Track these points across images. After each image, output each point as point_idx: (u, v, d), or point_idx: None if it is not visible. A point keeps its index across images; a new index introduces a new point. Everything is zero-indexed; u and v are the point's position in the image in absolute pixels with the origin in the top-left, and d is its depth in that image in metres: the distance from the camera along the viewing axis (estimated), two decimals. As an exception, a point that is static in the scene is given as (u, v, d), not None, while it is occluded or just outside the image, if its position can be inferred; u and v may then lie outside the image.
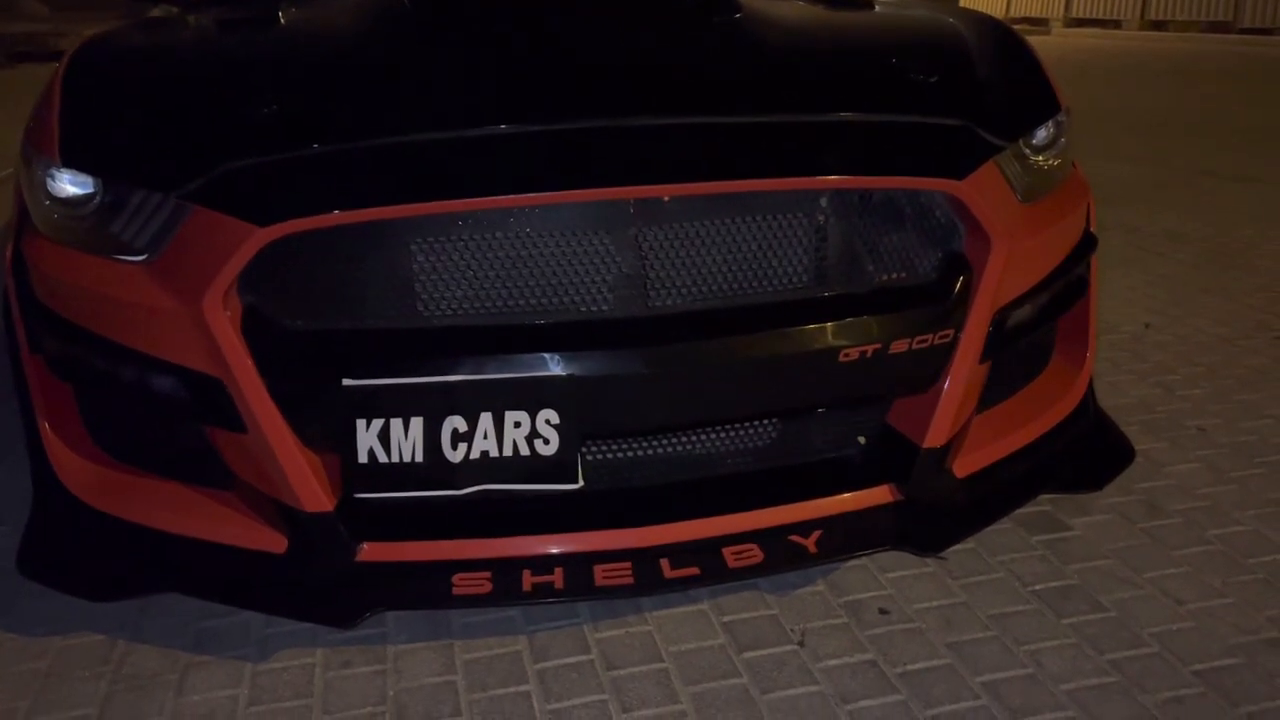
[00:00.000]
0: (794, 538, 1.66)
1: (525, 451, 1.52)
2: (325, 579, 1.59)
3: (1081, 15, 16.31)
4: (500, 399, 1.49)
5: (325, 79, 1.66)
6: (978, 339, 1.67)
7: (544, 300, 1.55)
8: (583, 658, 1.70)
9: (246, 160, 1.50)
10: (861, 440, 1.79)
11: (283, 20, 1.95)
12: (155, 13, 2.47)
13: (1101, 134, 6.83)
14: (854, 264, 1.66)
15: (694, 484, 1.72)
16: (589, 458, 1.61)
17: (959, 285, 1.66)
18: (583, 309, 1.55)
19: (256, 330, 1.50)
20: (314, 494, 1.54)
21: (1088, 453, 1.99)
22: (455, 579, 1.58)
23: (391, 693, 1.63)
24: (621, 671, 1.67)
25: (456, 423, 1.50)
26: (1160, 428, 2.49)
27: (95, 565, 1.68)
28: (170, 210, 1.53)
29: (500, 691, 1.63)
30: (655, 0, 2.01)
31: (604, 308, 1.56)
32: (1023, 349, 1.89)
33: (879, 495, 1.72)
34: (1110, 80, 10.23)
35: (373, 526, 1.60)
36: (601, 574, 1.58)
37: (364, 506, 1.56)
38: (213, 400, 1.52)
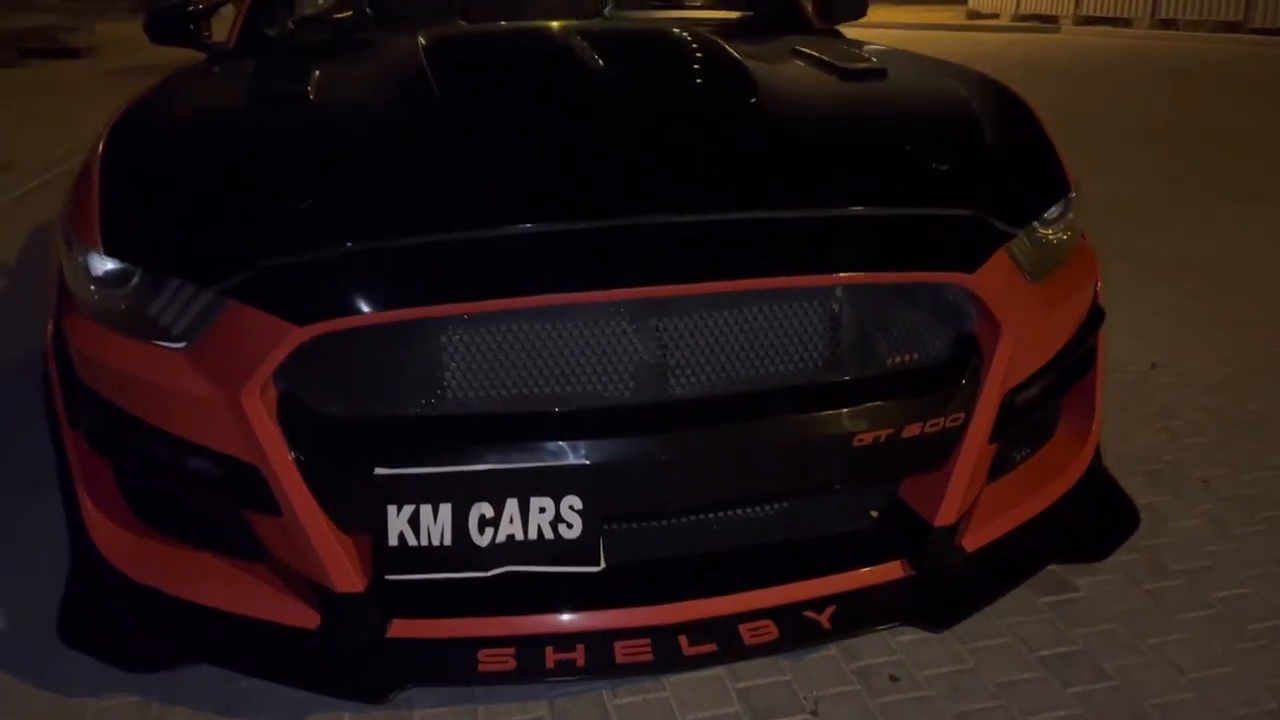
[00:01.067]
0: (808, 614, 1.72)
1: (549, 535, 1.57)
2: (356, 655, 1.65)
3: (1091, 13, 16.23)
4: (525, 486, 1.55)
5: (357, 174, 1.71)
6: (988, 420, 1.72)
7: (567, 388, 1.60)
8: (603, 726, 1.76)
9: (284, 259, 1.55)
10: (874, 514, 1.85)
11: (312, 97, 2.00)
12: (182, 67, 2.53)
13: (1112, 145, 6.84)
14: (867, 347, 1.71)
15: (711, 558, 1.77)
16: (609, 536, 1.66)
17: (969, 369, 1.70)
18: (605, 396, 1.61)
19: (292, 418, 1.56)
20: (346, 575, 1.60)
21: (1093, 520, 2.03)
22: (481, 655, 1.64)
23: (418, 761, 1.69)
24: (640, 740, 1.73)
25: (483, 508, 1.55)
26: (1165, 479, 2.53)
27: (133, 636, 1.74)
28: (208, 301, 1.59)
29: (523, 761, 1.69)
30: (674, 88, 2.05)
31: (625, 395, 1.61)
32: (1031, 422, 1.93)
33: (891, 571, 1.77)
34: (1120, 84, 10.22)
35: (402, 604, 1.65)
36: (622, 651, 1.64)
37: (394, 585, 1.62)
38: (249, 485, 1.58)
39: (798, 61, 2.34)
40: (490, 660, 1.63)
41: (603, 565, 1.60)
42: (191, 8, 2.94)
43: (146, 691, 1.83)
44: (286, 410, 1.56)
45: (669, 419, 1.60)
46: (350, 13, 3.12)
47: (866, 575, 1.76)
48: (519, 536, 1.57)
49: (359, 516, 1.59)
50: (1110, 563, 2.15)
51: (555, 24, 2.67)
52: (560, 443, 1.55)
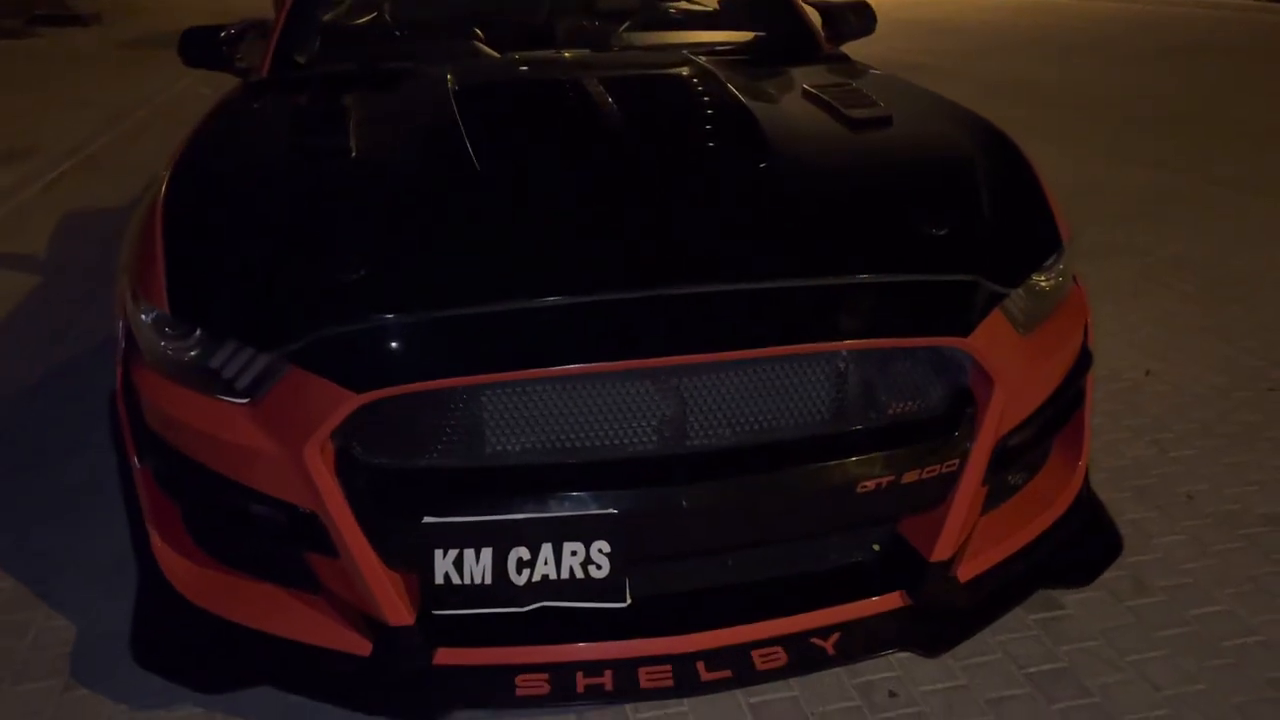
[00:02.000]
0: (815, 640, 1.88)
1: (580, 575, 1.74)
2: (405, 681, 1.82)
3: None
4: (559, 532, 1.71)
5: (404, 245, 1.86)
6: (981, 465, 1.88)
7: (596, 442, 1.76)
8: (626, 740, 1.94)
9: (341, 328, 1.70)
10: (876, 548, 2.01)
11: (354, 154, 2.14)
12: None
13: (1118, 130, 6.90)
14: (870, 401, 1.86)
15: (727, 591, 1.94)
16: (634, 573, 1.82)
17: (964, 420, 1.86)
18: (630, 449, 1.76)
19: (348, 471, 1.72)
20: (397, 609, 1.77)
21: (1080, 547, 2.19)
22: (518, 680, 1.81)
23: (460, 774, 1.87)
24: (661, 754, 1.90)
25: (521, 552, 1.72)
26: (1152, 495, 2.69)
27: (201, 659, 1.91)
28: (270, 363, 1.74)
29: (554, 775, 1.87)
30: (692, 155, 2.18)
31: (649, 448, 1.77)
32: (1023, 459, 2.09)
33: (890, 601, 1.94)
34: (1130, 58, 10.21)
35: (447, 635, 1.82)
36: (645, 677, 1.81)
37: (439, 618, 1.79)
38: (308, 529, 1.74)
39: (808, 106, 2.46)
40: (526, 685, 1.80)
41: (629, 601, 1.76)
42: (224, 33, 3.07)
43: (210, 704, 2.01)
44: (343, 464, 1.72)
45: (688, 470, 1.76)
46: (375, 34, 3.25)
47: (868, 605, 1.93)
48: (553, 576, 1.73)
49: (408, 558, 1.75)
50: (1096, 580, 2.30)
51: (574, 63, 2.79)
52: (589, 493, 1.71)
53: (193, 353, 1.83)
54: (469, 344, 1.69)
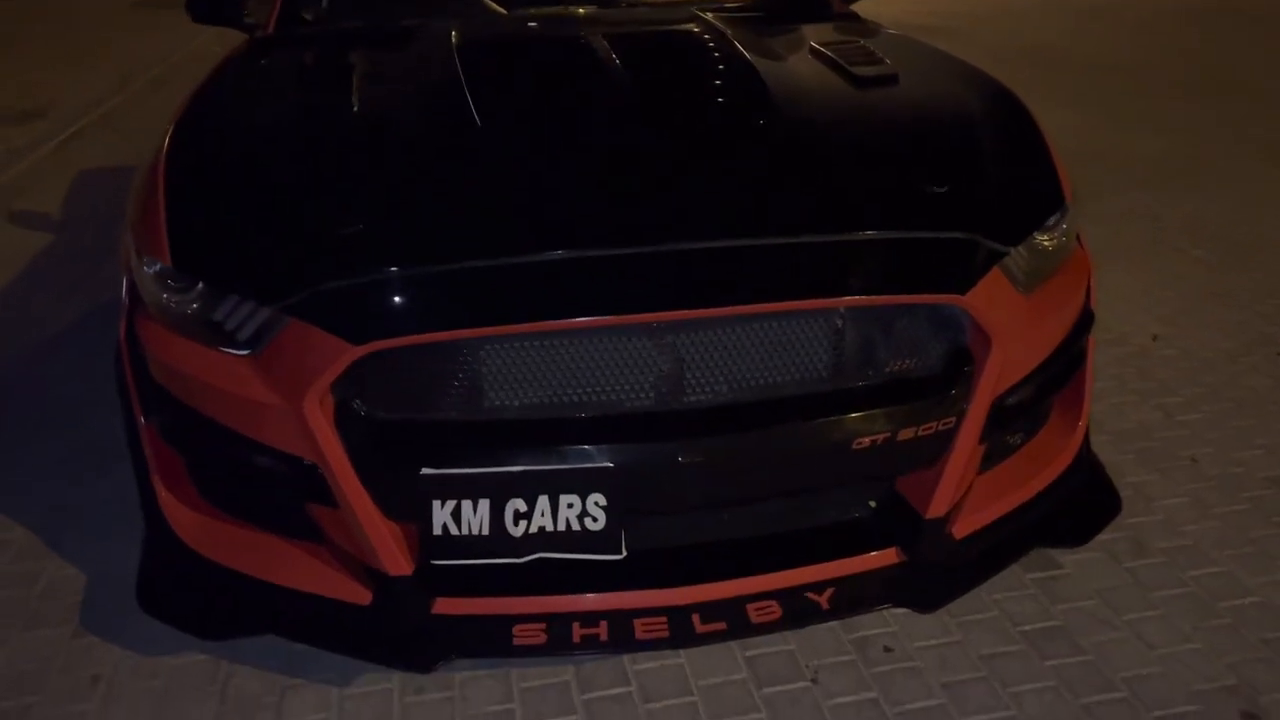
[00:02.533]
0: (809, 595, 1.90)
1: (577, 528, 1.75)
2: (405, 629, 1.85)
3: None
4: (555, 485, 1.73)
5: (404, 199, 1.86)
6: (978, 423, 1.88)
7: (594, 397, 1.77)
8: (623, 689, 1.97)
9: (339, 281, 1.71)
10: (872, 504, 2.02)
11: (357, 109, 2.15)
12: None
13: (1147, 95, 6.77)
14: (867, 358, 1.86)
15: (723, 546, 1.95)
16: (631, 526, 1.84)
17: (961, 378, 1.86)
18: (627, 404, 1.77)
19: (347, 423, 1.74)
20: (395, 560, 1.80)
21: (1077, 507, 2.20)
22: (515, 630, 1.83)
23: (458, 720, 1.90)
24: (657, 705, 1.93)
25: (517, 504, 1.74)
26: (1155, 458, 2.69)
27: (205, 608, 1.95)
28: (270, 316, 1.76)
29: (551, 722, 1.90)
30: (695, 110, 2.17)
31: (646, 403, 1.78)
32: (1022, 418, 2.09)
33: (885, 557, 1.95)
34: (1150, 23, 10.04)
35: (445, 585, 1.85)
36: (641, 628, 1.84)
37: (438, 568, 1.81)
38: (309, 480, 1.77)
39: (814, 63, 2.45)
40: (523, 635, 1.83)
41: (624, 554, 1.78)
42: None
43: (215, 651, 2.05)
44: (343, 415, 1.74)
45: (685, 425, 1.77)
46: None
47: (863, 561, 1.94)
48: (549, 528, 1.75)
49: (407, 509, 1.77)
50: (1095, 541, 2.30)
51: (581, 19, 2.78)
52: (586, 447, 1.73)
53: (195, 305, 1.85)
54: (466, 297, 1.70)
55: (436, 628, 1.84)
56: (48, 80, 7.20)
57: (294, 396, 1.71)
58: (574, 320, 1.69)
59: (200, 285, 1.84)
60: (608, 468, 1.72)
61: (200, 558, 1.95)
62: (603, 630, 1.84)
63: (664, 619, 1.85)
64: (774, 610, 1.88)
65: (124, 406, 2.07)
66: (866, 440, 1.81)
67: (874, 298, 1.77)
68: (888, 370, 1.88)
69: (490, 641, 1.84)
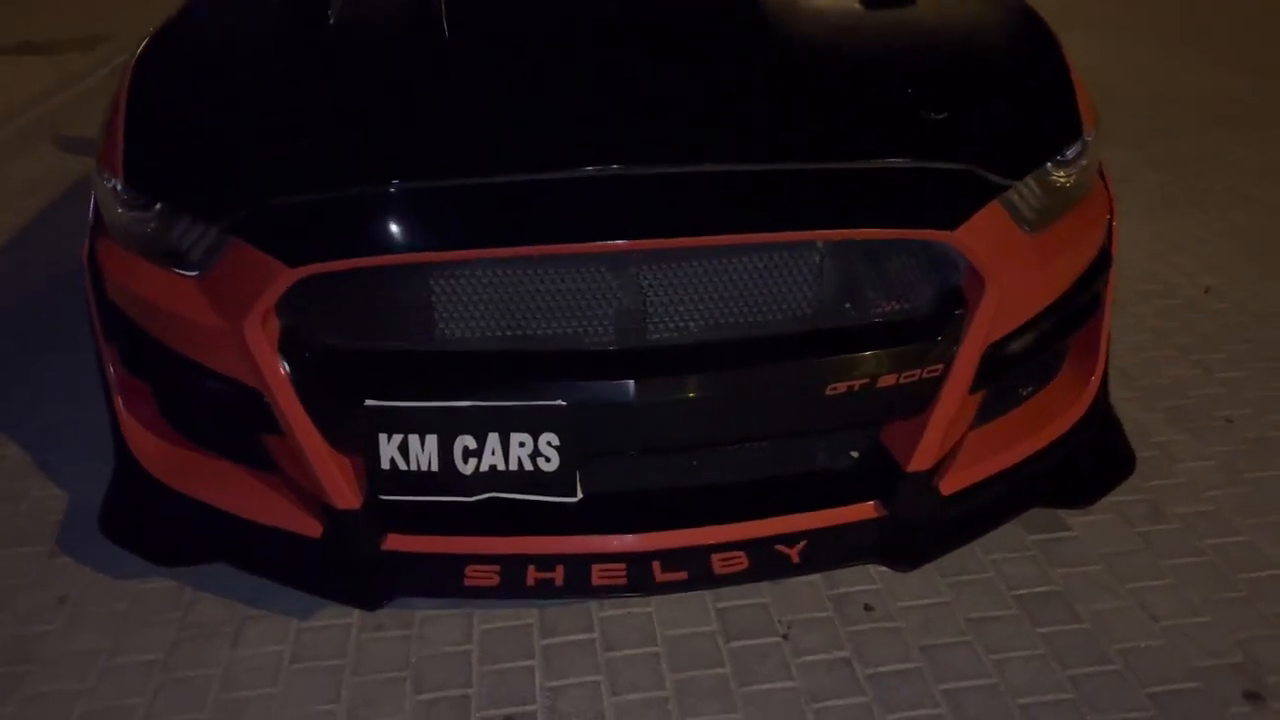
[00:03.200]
0: (779, 547, 1.80)
1: (529, 467, 1.67)
2: (353, 564, 1.79)
3: None
4: (505, 422, 1.64)
5: (356, 118, 1.77)
6: (967, 372, 1.74)
7: (549, 330, 1.67)
8: (585, 636, 1.89)
9: (280, 199, 1.64)
10: (854, 455, 1.90)
11: (325, 24, 2.05)
12: None
13: (1247, 36, 6.38)
14: (847, 298, 1.73)
15: (690, 492, 1.85)
16: (591, 468, 1.75)
17: (950, 321, 1.71)
18: (585, 340, 1.67)
19: (293, 349, 1.67)
20: (343, 494, 1.73)
21: (1085, 466, 2.05)
22: (467, 570, 1.77)
23: (414, 659, 1.85)
24: (618, 654, 1.85)
25: (466, 441, 1.66)
26: (1188, 416, 2.51)
27: (161, 534, 1.92)
28: (216, 236, 1.69)
29: (508, 665, 1.83)
30: (674, 27, 2.03)
31: (605, 340, 1.68)
32: (1026, 367, 1.94)
33: (863, 511, 1.83)
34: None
35: (396, 520, 1.79)
36: (598, 574, 1.75)
37: (388, 504, 1.74)
38: (255, 407, 1.71)
39: None
40: (476, 575, 1.76)
41: (579, 496, 1.69)
42: None
43: (181, 576, 2.03)
44: (288, 342, 1.67)
45: (646, 364, 1.66)
46: None
47: (838, 514, 1.82)
48: (500, 467, 1.67)
49: (353, 441, 1.71)
50: (1107, 503, 2.16)
51: None
52: (538, 383, 1.63)
53: (152, 225, 1.79)
54: (409, 220, 1.61)
55: (385, 564, 1.79)
56: (110, 10, 7.25)
57: (236, 319, 1.65)
58: (523, 248, 1.58)
59: (158, 205, 1.77)
60: (559, 405, 1.63)
61: (159, 483, 1.92)
62: (558, 575, 1.76)
63: (622, 566, 1.77)
64: (740, 561, 1.78)
65: (91, 329, 2.04)
66: (842, 386, 1.68)
67: (852, 231, 1.63)
68: (872, 312, 1.74)
69: (441, 581, 1.78)
